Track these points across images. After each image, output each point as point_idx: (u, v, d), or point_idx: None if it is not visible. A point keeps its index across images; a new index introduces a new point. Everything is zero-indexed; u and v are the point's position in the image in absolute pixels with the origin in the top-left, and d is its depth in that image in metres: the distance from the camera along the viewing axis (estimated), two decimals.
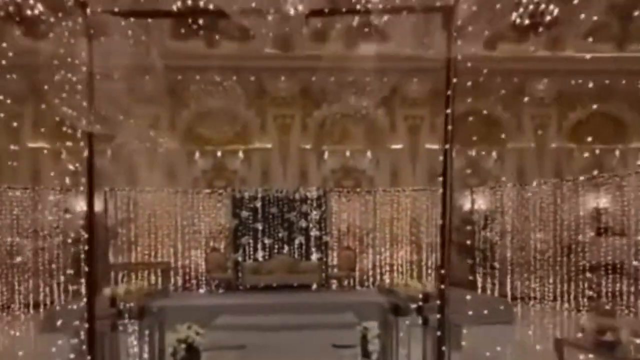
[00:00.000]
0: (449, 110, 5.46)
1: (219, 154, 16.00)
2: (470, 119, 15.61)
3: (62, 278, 14.07)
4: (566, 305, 13.15)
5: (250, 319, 11.32)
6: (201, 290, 14.79)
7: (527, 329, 11.36)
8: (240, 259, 14.51)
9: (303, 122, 16.09)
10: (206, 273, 14.64)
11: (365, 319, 10.63)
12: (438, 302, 5.64)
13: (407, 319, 7.12)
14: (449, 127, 5.51)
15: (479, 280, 14.80)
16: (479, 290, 14.54)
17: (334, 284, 14.88)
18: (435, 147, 15.91)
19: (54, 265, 14.15)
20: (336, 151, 16.14)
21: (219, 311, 11.72)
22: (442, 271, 5.67)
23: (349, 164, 16.19)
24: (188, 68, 15.03)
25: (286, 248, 14.67)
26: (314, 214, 14.75)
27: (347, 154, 16.16)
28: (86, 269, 5.66)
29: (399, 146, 16.27)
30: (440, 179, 5.59)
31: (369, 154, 16.23)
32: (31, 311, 13.49)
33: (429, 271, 15.37)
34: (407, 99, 16.23)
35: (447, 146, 5.56)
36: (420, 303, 6.97)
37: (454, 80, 5.51)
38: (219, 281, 14.44)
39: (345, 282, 14.80)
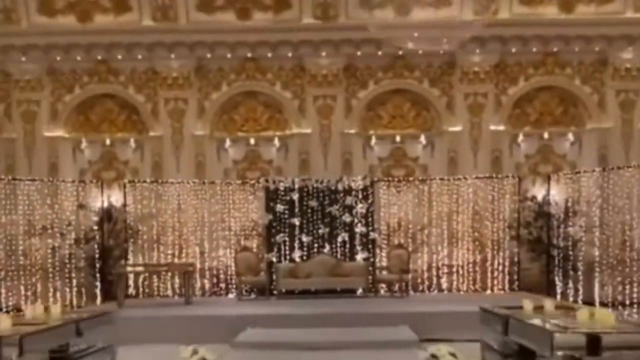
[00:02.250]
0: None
1: (252, 141, 14.45)
2: (543, 95, 14.31)
3: (74, 281, 12.60)
4: None
5: (283, 333, 9.32)
6: (231, 296, 13.30)
7: None
8: (274, 259, 13.02)
9: (347, 103, 14.48)
10: (235, 276, 13.10)
11: (424, 334, 9.09)
12: None
13: None
14: None
15: (558, 284, 12.73)
16: (558, 296, 12.36)
17: (383, 288, 13.24)
18: (501, 128, 14.34)
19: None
20: (385, 136, 14.54)
21: (246, 323, 9.79)
22: None
23: (399, 150, 14.56)
24: (217, 44, 14.00)
25: (327, 247, 13.11)
26: (360, 208, 13.14)
27: (397, 138, 14.52)
28: None
29: (457, 128, 14.39)
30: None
31: (422, 138, 14.51)
32: None
33: (495, 273, 13.52)
34: (468, 74, 14.31)
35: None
36: None
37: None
38: (249, 285, 12.96)
39: (396, 287, 12.96)
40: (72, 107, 14.43)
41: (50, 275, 12.77)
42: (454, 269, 13.63)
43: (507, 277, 13.44)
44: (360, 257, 13.08)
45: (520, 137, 14.32)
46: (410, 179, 14.09)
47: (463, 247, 13.63)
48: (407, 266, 12.99)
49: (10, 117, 14.30)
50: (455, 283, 13.54)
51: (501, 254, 13.41)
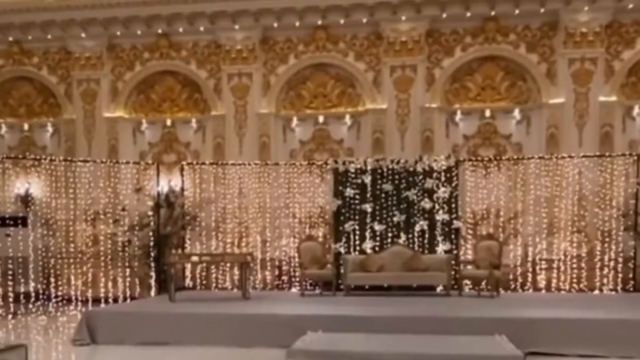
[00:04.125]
0: None
1: (320, 119, 13.36)
2: None
3: (127, 270, 11.95)
4: None
5: (349, 341, 7.82)
6: (293, 290, 12.36)
7: None
8: (342, 250, 12.16)
9: (429, 73, 13.10)
10: (299, 268, 12.09)
11: (526, 346, 7.42)
12: None
13: None
14: None
15: None
16: None
17: (467, 286, 11.88)
18: (612, 99, 12.53)
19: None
20: (472, 110, 13.07)
21: (307, 325, 8.39)
22: None
23: (489, 126, 13.06)
24: (285, 10, 13.05)
25: (403, 237, 12.15)
26: (442, 192, 12.08)
27: (487, 113, 13.00)
28: None
29: (559, 100, 12.60)
30: None
31: (516, 112, 12.91)
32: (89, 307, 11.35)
33: (605, 270, 11.95)
34: (573, 36, 12.49)
35: None
36: None
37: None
38: (314, 279, 11.94)
39: (484, 284, 11.52)
40: (133, 85, 13.89)
41: (103, 263, 12.32)
42: (554, 265, 12.30)
43: (619, 275, 11.91)
44: (441, 249, 12.10)
45: (636, 110, 12.49)
46: (502, 158, 12.74)
47: (565, 239, 12.32)
48: (499, 260, 11.50)
49: (71, 97, 13.93)
50: (554, 281, 12.18)
51: (612, 247, 12.04)
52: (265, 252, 12.80)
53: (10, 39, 13.84)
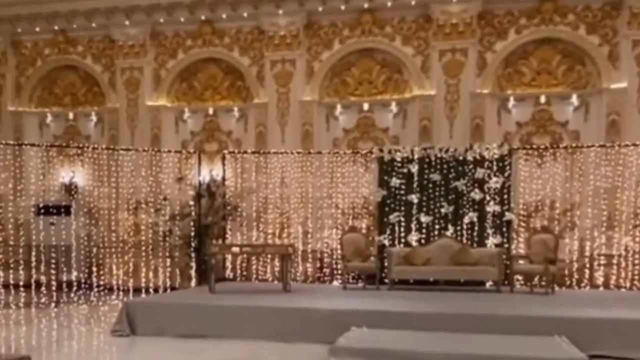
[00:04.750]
0: None
1: (365, 106, 12.94)
2: None
3: (168, 261, 11.81)
4: None
5: (396, 338, 7.34)
6: (335, 283, 12.03)
7: None
8: (386, 242, 11.78)
9: (480, 57, 12.50)
10: (341, 260, 11.74)
11: (589, 349, 6.87)
12: None
13: None
14: None
15: None
16: None
17: (519, 282, 11.36)
18: None
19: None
20: (526, 96, 12.43)
21: (350, 320, 7.98)
22: None
23: (544, 112, 12.38)
24: None
25: (451, 229, 11.73)
26: (493, 182, 11.57)
27: (542, 99, 12.33)
28: None
29: (620, 85, 11.81)
30: None
31: (574, 98, 12.18)
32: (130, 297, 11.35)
33: None
34: (638, 16, 11.67)
35: None
36: None
37: None
38: (357, 272, 11.60)
39: (536, 280, 10.96)
40: (175, 73, 13.75)
41: (144, 253, 12.25)
42: (613, 260, 11.63)
43: None
44: (491, 242, 11.55)
45: None
46: (558, 147, 12.07)
47: (627, 233, 11.66)
48: (554, 255, 10.92)
49: (114, 86, 13.92)
50: (614, 278, 11.52)
51: None
52: (307, 244, 12.54)
53: (56, 28, 13.90)
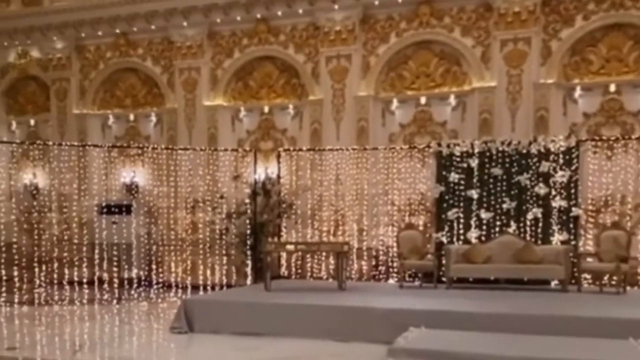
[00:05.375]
0: None
1: (422, 100, 12.62)
2: None
3: (224, 258, 11.94)
4: None
5: (458, 340, 6.97)
6: (391, 281, 11.77)
7: None
8: (444, 240, 11.51)
9: (544, 46, 11.94)
10: (397, 258, 11.46)
11: None
12: None
13: None
14: None
15: None
16: None
17: (587, 281, 10.78)
18: None
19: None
20: (594, 85, 11.79)
21: (409, 320, 7.67)
22: None
23: (613, 102, 11.74)
24: None
25: (513, 225, 11.23)
26: (559, 176, 11.05)
27: (611, 88, 11.65)
28: None
29: None
30: None
31: None
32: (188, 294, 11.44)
33: None
34: None
35: None
36: None
37: None
38: (413, 270, 11.28)
39: (606, 279, 10.34)
40: (231, 73, 13.83)
41: (201, 251, 12.40)
42: None
43: None
44: (557, 239, 11.06)
45: None
46: (629, 138, 11.39)
47: None
48: (627, 252, 10.30)
49: (173, 86, 14.12)
50: None
51: None
52: (362, 241, 12.31)
53: (117, 31, 14.24)
